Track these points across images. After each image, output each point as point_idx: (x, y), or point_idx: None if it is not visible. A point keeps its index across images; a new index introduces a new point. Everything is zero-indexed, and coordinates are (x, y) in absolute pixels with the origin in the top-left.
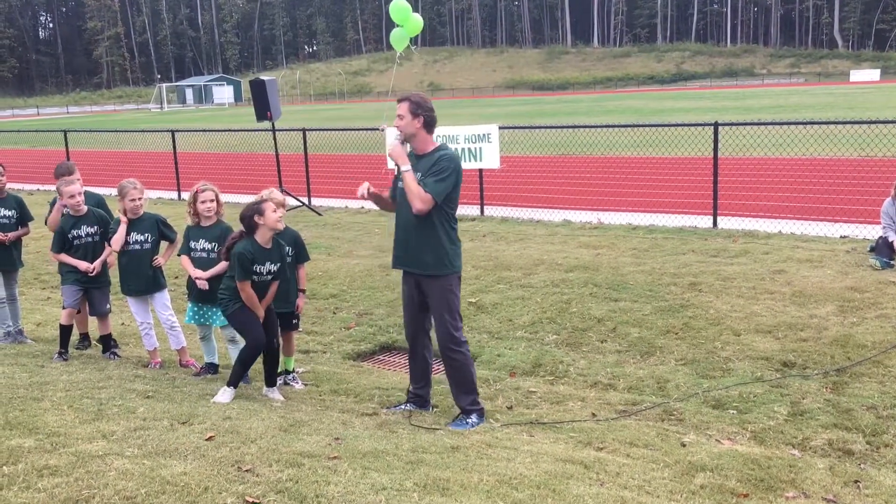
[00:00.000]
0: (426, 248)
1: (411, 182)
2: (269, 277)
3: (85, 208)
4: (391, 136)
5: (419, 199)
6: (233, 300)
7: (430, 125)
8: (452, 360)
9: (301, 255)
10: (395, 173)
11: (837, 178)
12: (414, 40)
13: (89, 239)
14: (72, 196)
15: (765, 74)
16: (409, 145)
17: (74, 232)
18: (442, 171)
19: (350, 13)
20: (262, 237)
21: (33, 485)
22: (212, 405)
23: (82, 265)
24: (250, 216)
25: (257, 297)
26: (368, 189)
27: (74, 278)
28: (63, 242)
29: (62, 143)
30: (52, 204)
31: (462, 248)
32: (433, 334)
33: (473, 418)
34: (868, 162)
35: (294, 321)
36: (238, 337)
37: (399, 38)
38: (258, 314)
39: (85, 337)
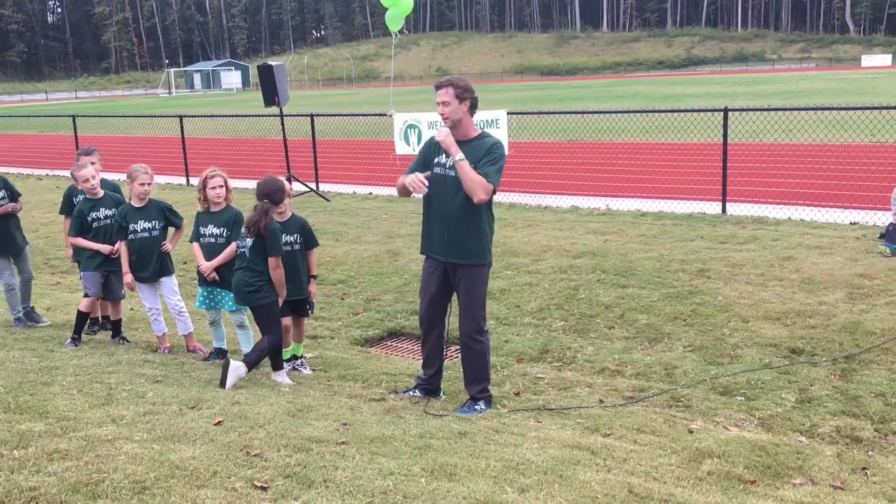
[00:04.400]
0: (471, 238)
1: (471, 171)
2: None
3: (101, 192)
4: (399, 121)
5: (482, 188)
6: (267, 291)
7: (474, 108)
8: (473, 350)
9: (310, 241)
10: (420, 161)
11: (848, 164)
12: (422, 26)
13: (108, 221)
14: (85, 181)
15: (775, 59)
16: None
17: (94, 214)
18: (498, 158)
19: None
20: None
21: (43, 468)
22: (219, 390)
23: (104, 248)
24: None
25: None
26: (422, 179)
27: (96, 264)
28: (81, 226)
29: (71, 129)
30: (68, 204)
31: None
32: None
33: (481, 405)
34: (879, 148)
35: (307, 307)
36: (247, 323)
37: (394, 18)
38: (283, 294)
39: (95, 321)
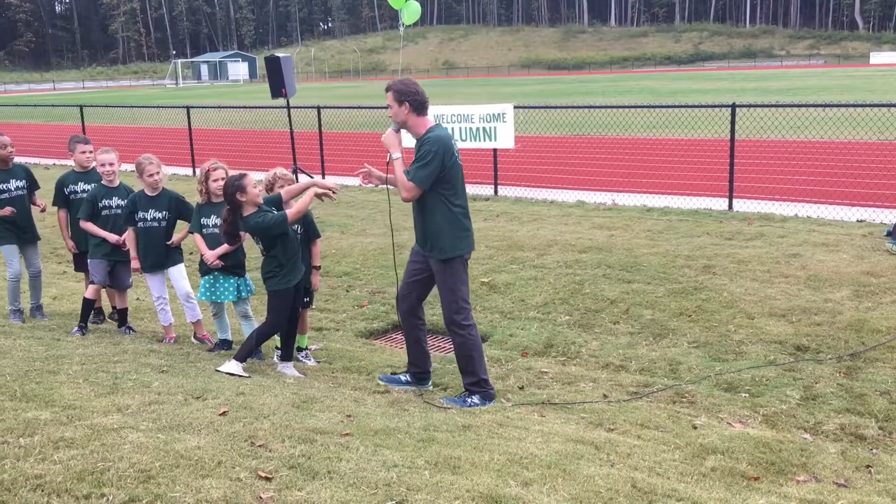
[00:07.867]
0: (426, 233)
1: (398, 171)
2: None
3: (118, 181)
4: None
5: (403, 187)
6: (280, 279)
7: (418, 108)
8: (454, 341)
9: (311, 231)
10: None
11: (855, 161)
12: (429, 19)
13: (118, 211)
14: (111, 164)
15: (783, 56)
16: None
17: (105, 202)
18: (424, 156)
19: None
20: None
21: (49, 457)
22: (225, 380)
23: (112, 237)
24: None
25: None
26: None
27: (103, 252)
28: (92, 210)
29: (78, 118)
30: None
31: (476, 228)
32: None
33: (475, 399)
34: (886, 145)
35: (306, 299)
36: (251, 313)
37: (412, 12)
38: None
39: (99, 311)
